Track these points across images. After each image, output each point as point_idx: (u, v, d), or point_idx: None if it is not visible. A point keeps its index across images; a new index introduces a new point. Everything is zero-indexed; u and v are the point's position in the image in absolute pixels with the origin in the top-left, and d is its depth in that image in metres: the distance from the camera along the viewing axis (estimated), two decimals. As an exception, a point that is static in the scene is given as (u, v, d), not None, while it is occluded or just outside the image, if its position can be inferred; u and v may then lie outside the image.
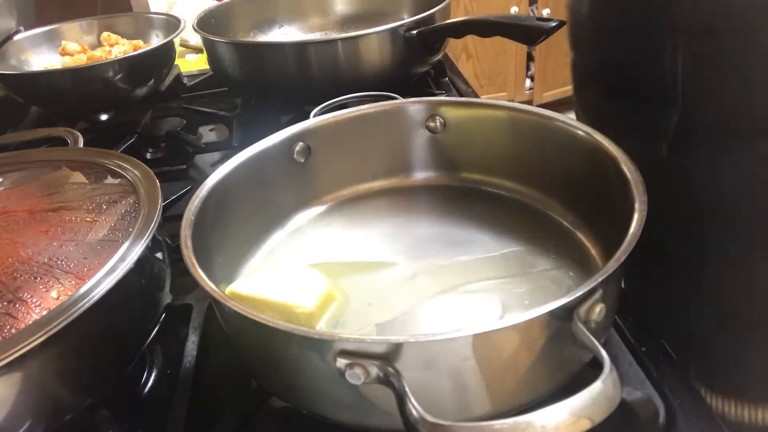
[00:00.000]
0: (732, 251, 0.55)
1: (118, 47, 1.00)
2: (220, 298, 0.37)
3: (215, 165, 0.73)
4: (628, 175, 0.44)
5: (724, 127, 0.51)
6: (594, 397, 0.29)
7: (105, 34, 1.03)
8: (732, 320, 0.58)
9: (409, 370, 0.33)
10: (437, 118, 0.59)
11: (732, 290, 0.57)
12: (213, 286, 0.38)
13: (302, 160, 0.58)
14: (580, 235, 0.52)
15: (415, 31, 0.81)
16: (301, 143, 0.57)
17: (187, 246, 0.42)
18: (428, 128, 0.60)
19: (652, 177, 0.55)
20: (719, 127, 0.52)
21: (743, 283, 0.56)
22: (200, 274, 0.39)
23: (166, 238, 0.51)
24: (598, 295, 0.35)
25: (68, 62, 0.98)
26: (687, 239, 0.57)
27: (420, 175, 0.62)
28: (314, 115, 0.60)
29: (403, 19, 0.87)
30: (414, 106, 0.59)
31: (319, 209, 0.60)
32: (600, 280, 0.35)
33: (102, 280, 0.38)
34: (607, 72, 0.59)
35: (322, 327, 0.45)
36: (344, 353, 0.33)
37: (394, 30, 0.80)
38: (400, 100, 0.61)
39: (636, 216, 0.40)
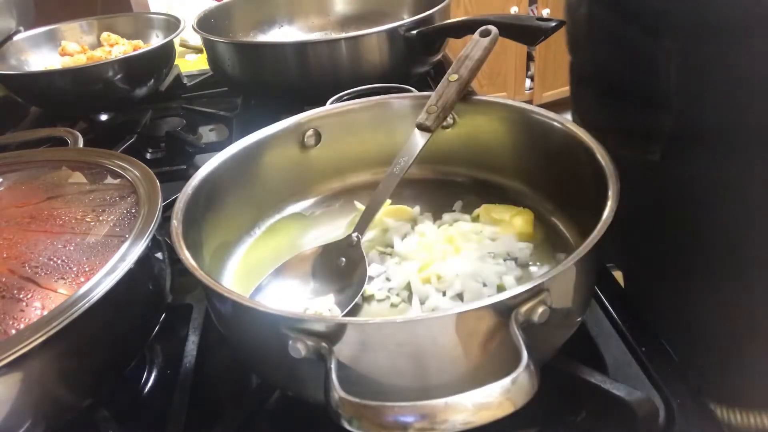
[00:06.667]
0: (729, 259, 0.54)
1: (118, 47, 1.00)
2: (201, 277, 0.38)
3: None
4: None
5: (717, 133, 0.50)
6: (506, 389, 0.29)
7: (105, 34, 1.04)
8: (734, 328, 0.57)
9: (344, 350, 0.34)
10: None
11: (734, 296, 0.56)
12: (194, 262, 0.40)
13: (310, 147, 0.59)
14: (573, 235, 0.52)
15: (415, 31, 0.81)
16: (310, 130, 0.58)
17: (178, 233, 0.43)
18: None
19: (648, 181, 0.54)
20: (712, 132, 0.50)
21: (745, 289, 0.55)
22: (185, 253, 0.40)
23: (166, 238, 0.51)
24: (543, 296, 0.34)
25: (68, 62, 0.98)
26: (685, 245, 0.57)
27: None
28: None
29: (403, 19, 0.87)
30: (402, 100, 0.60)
31: (320, 199, 0.61)
32: (541, 282, 0.34)
33: (102, 280, 0.38)
34: (603, 75, 0.58)
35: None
36: (290, 329, 0.34)
37: (394, 30, 0.80)
38: (409, 94, 0.61)
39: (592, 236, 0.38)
